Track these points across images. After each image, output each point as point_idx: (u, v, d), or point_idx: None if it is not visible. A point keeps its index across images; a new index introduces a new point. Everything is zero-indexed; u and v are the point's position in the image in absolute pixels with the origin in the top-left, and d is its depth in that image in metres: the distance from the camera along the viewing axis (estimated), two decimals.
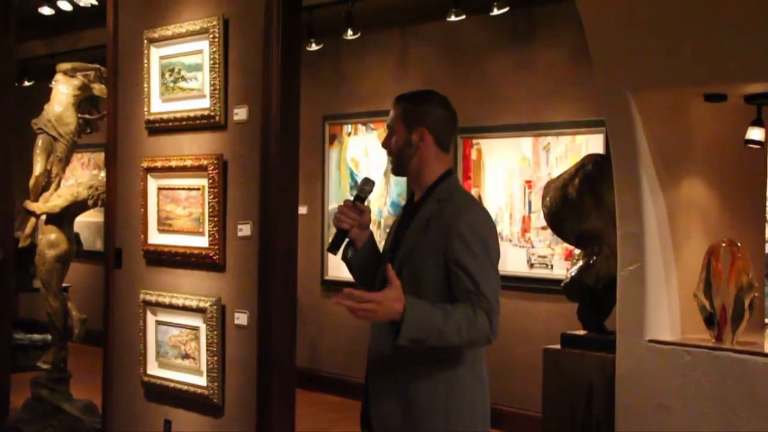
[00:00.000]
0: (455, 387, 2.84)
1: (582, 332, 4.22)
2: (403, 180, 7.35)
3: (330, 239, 3.04)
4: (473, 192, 6.97)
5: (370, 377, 2.98)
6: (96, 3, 7.69)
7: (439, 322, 2.70)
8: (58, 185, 5.94)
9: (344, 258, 3.09)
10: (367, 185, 3.01)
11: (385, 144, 3.00)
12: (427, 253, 2.83)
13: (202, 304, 4.73)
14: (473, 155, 7.05)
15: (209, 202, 4.70)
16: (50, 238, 5.87)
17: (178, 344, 4.90)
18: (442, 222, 2.83)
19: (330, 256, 7.58)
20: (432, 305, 2.75)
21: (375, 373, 2.96)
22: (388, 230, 7.35)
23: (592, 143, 6.35)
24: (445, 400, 2.83)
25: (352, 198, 3.03)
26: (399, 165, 2.99)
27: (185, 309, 4.82)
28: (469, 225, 2.80)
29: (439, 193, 2.91)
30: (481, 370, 2.91)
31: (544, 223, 4.60)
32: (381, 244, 3.10)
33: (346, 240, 3.03)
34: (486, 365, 2.96)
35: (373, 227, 3.22)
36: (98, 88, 5.93)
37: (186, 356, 4.86)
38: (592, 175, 4.17)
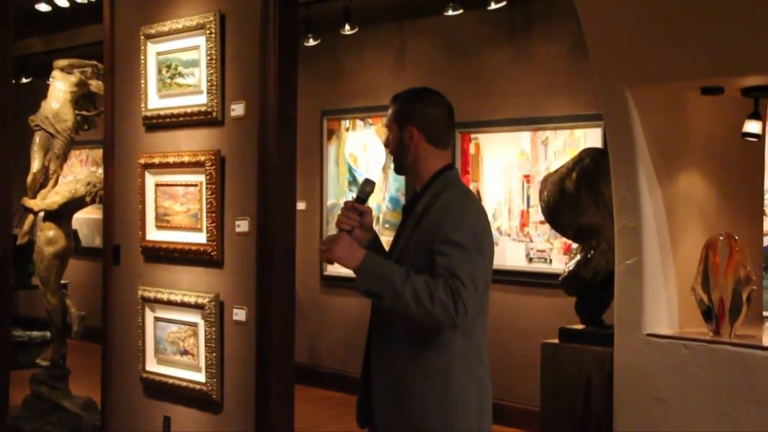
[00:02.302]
0: (448, 381, 2.83)
1: (580, 326, 4.22)
2: (401, 176, 7.34)
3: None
4: (472, 187, 6.96)
5: (370, 372, 2.99)
6: None
7: (397, 280, 2.72)
8: (56, 182, 5.94)
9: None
10: (368, 186, 3.02)
11: (386, 143, 3.06)
12: (418, 248, 2.85)
13: (200, 301, 4.73)
14: (471, 150, 7.05)
15: (207, 198, 4.70)
16: (48, 235, 5.87)
17: (176, 341, 4.90)
18: (432, 216, 2.85)
19: None
20: (397, 265, 2.79)
21: (374, 368, 2.97)
22: (386, 225, 7.38)
23: (591, 137, 6.35)
24: (440, 395, 2.83)
25: (353, 199, 3.04)
26: (396, 163, 3.05)
27: (184, 305, 4.82)
28: (456, 218, 2.81)
29: (434, 188, 2.94)
30: (477, 368, 2.89)
31: (543, 218, 4.60)
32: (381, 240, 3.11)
33: None
34: (487, 365, 2.95)
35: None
36: (95, 85, 5.93)
37: (185, 352, 4.86)
38: (589, 170, 4.16)
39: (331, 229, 7.84)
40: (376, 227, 3.21)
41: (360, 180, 7.71)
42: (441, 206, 2.86)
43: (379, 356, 2.96)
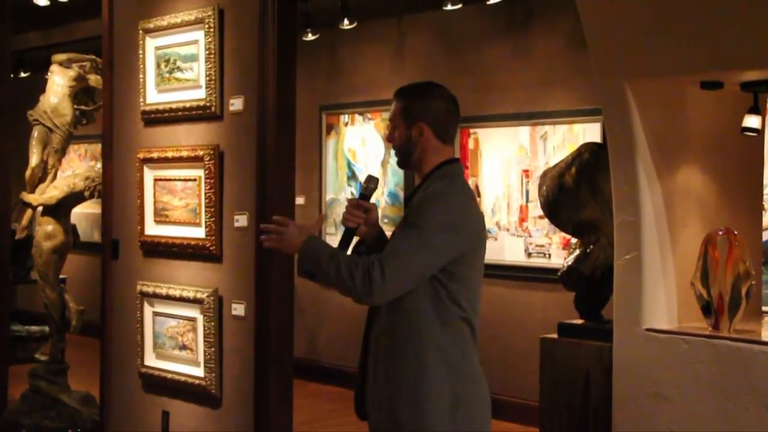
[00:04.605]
0: (422, 368, 2.84)
1: (579, 321, 4.22)
2: (400, 171, 7.35)
3: (339, 235, 3.05)
4: (471, 182, 6.96)
5: (365, 365, 3.00)
6: None
7: (324, 256, 2.82)
8: (54, 176, 5.93)
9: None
10: (371, 183, 3.03)
11: (389, 138, 3.05)
12: None
13: (199, 295, 4.72)
14: (470, 145, 7.04)
15: (206, 193, 4.69)
16: (47, 229, 5.86)
17: (175, 335, 4.90)
18: (414, 206, 2.90)
19: None
20: (330, 247, 2.89)
21: (366, 360, 3.01)
22: (385, 221, 7.38)
23: (590, 132, 6.34)
24: (413, 382, 2.84)
25: (356, 196, 3.06)
26: (402, 159, 3.05)
27: (182, 300, 4.82)
28: (427, 205, 2.84)
29: (429, 181, 2.95)
30: (452, 355, 2.87)
31: (542, 213, 4.60)
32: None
33: (356, 238, 3.05)
34: (470, 353, 2.93)
35: None
36: (94, 79, 5.92)
37: (183, 347, 4.86)
38: (588, 164, 4.15)
39: (330, 225, 7.83)
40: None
41: (359, 175, 7.71)
42: (422, 197, 2.89)
43: (368, 349, 2.99)
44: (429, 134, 2.94)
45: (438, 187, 2.90)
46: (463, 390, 2.88)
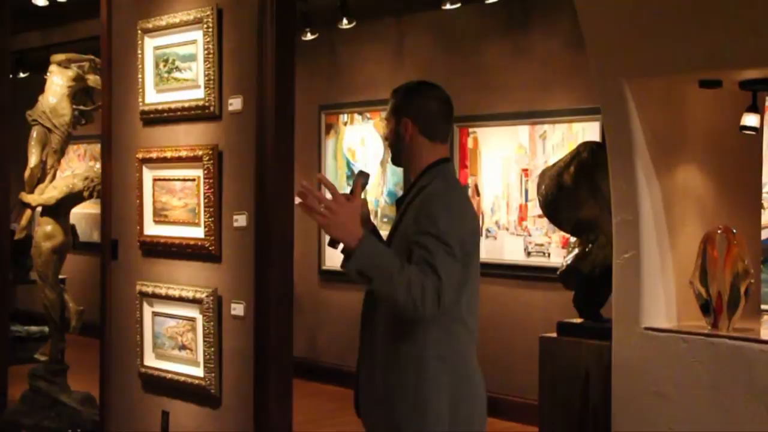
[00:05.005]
0: (421, 373, 2.82)
1: (578, 320, 4.22)
2: (399, 169, 7.35)
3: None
4: (470, 181, 6.96)
5: (360, 364, 3.01)
6: None
7: (394, 268, 2.68)
8: (54, 177, 5.93)
9: (344, 251, 3.09)
10: (362, 178, 3.02)
11: (386, 136, 3.08)
12: (400, 241, 2.87)
13: (198, 295, 4.72)
14: (470, 144, 7.04)
15: (205, 193, 4.69)
16: (46, 229, 5.87)
17: (174, 335, 4.90)
18: (413, 208, 2.88)
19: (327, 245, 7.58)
20: (392, 252, 2.76)
21: (361, 361, 2.99)
22: (385, 220, 7.38)
23: (589, 131, 6.34)
24: (412, 387, 2.83)
25: (349, 192, 3.05)
26: (393, 155, 3.06)
27: (182, 300, 4.82)
28: (435, 210, 2.80)
29: (422, 181, 2.95)
30: (452, 360, 2.86)
31: (541, 212, 4.60)
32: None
33: None
34: (468, 356, 2.92)
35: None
36: (93, 79, 5.92)
37: (183, 347, 4.86)
38: (587, 163, 4.16)
39: None
40: (374, 221, 3.20)
41: None
42: (422, 198, 2.87)
43: (364, 349, 2.98)
44: (414, 131, 2.94)
45: (436, 187, 2.89)
46: (461, 392, 2.87)
